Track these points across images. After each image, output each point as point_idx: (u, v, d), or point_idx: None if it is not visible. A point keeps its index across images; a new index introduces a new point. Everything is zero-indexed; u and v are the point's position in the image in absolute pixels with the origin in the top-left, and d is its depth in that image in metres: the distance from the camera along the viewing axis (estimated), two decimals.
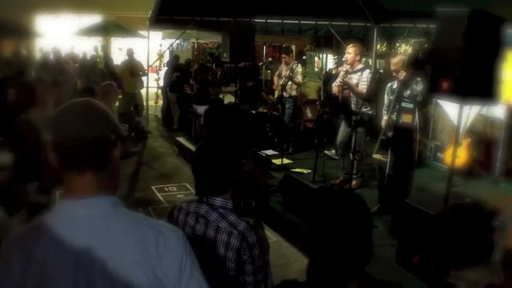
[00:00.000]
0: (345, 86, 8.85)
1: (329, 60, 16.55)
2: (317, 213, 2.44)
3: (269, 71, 18.02)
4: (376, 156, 7.60)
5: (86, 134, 1.81)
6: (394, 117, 7.49)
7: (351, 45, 9.15)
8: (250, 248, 2.70)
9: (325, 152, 10.43)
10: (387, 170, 7.46)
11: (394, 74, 7.59)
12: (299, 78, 11.24)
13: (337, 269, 2.36)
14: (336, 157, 10.29)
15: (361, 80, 8.73)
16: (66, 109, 1.88)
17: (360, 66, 8.99)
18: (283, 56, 11.45)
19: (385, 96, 7.88)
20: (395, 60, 7.65)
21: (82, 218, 1.81)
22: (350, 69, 8.84)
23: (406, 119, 7.30)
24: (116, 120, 1.96)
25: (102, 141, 1.86)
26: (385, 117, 7.74)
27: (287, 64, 11.19)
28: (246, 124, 10.78)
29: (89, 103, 1.91)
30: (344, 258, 2.35)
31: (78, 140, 1.81)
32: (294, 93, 11.25)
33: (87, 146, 1.82)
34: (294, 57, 11.77)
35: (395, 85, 7.66)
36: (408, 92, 7.35)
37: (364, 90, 8.51)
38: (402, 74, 7.32)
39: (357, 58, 8.96)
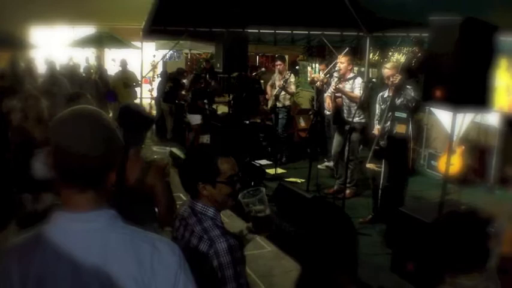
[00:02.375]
0: (338, 93, 8.89)
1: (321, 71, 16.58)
2: (303, 227, 2.48)
3: (262, 81, 18.04)
4: (369, 165, 7.58)
5: (94, 153, 1.80)
6: (387, 126, 7.47)
7: (342, 54, 9.19)
8: (218, 255, 2.68)
9: (319, 166, 10.44)
10: (382, 180, 7.44)
11: (386, 81, 7.56)
12: (292, 88, 11.27)
13: (322, 279, 2.37)
14: (331, 165, 10.32)
15: (354, 88, 8.79)
16: (69, 120, 1.85)
17: (352, 74, 9.04)
18: (279, 63, 11.44)
19: (377, 106, 7.87)
20: (389, 66, 7.66)
21: (80, 232, 1.81)
22: (342, 78, 8.89)
23: (400, 129, 7.28)
24: (117, 132, 1.94)
25: (107, 161, 1.86)
26: (377, 127, 7.72)
27: (281, 73, 11.21)
28: (240, 134, 10.79)
29: (95, 117, 1.87)
30: (327, 269, 2.37)
31: (84, 158, 1.79)
32: (287, 103, 11.28)
33: (93, 166, 1.82)
34: (287, 67, 11.81)
35: (386, 94, 7.65)
36: (400, 100, 7.33)
37: (359, 94, 8.54)
38: (397, 78, 7.28)
39: (349, 67, 9.01)
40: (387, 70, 7.56)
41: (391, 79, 7.45)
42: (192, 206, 2.90)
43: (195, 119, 12.62)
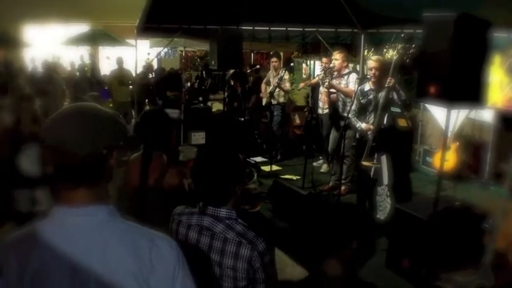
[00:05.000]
0: (331, 89, 8.90)
1: (317, 67, 16.58)
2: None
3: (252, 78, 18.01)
4: (365, 163, 7.52)
5: (77, 149, 1.79)
6: (385, 121, 7.39)
7: (337, 51, 9.19)
8: (262, 256, 2.69)
9: (314, 164, 10.48)
10: (385, 178, 7.35)
11: (372, 72, 7.51)
12: (287, 85, 11.25)
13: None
14: (325, 170, 10.37)
15: (348, 84, 8.81)
16: (60, 118, 1.85)
17: (347, 70, 9.05)
18: (274, 60, 11.41)
19: (355, 101, 7.81)
20: (374, 58, 7.65)
21: (77, 227, 1.81)
22: (337, 74, 8.91)
23: (401, 122, 7.23)
24: (116, 124, 1.92)
25: (93, 157, 1.83)
26: (364, 125, 7.63)
27: (276, 69, 11.19)
28: (236, 131, 10.80)
29: (85, 112, 1.87)
30: None
31: (68, 154, 1.79)
32: (282, 100, 11.26)
33: (77, 161, 1.81)
34: (282, 64, 11.80)
35: (366, 87, 7.62)
36: (391, 97, 7.28)
37: (353, 89, 8.52)
38: (391, 81, 7.24)
39: (344, 64, 9.03)
40: (372, 62, 7.58)
41: (371, 72, 7.44)
42: (214, 213, 2.81)
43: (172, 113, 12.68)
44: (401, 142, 7.29)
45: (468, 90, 4.93)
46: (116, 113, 1.99)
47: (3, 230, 4.08)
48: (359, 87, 7.75)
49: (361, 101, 7.64)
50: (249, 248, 2.67)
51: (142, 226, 1.92)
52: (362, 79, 8.82)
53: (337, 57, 8.96)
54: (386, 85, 7.31)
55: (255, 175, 3.35)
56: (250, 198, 3.28)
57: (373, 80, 7.52)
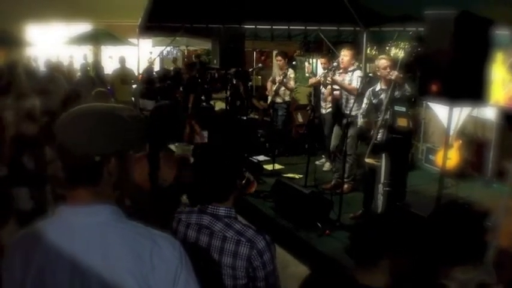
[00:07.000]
0: (334, 84, 8.88)
1: (319, 65, 16.54)
2: None
3: (259, 77, 18.01)
4: (368, 160, 7.49)
5: (72, 150, 1.81)
6: (389, 119, 7.34)
7: (346, 48, 9.14)
8: (261, 254, 2.67)
9: (316, 163, 10.48)
10: (383, 175, 7.33)
11: (379, 72, 7.46)
12: (292, 83, 11.23)
13: None
14: (327, 168, 10.36)
15: (352, 80, 8.79)
16: (71, 122, 1.87)
17: (352, 67, 9.03)
18: (279, 58, 11.35)
19: (365, 100, 7.76)
20: (387, 57, 7.60)
21: (79, 226, 1.83)
22: (342, 70, 8.89)
23: (401, 122, 7.21)
24: (120, 131, 1.89)
25: (86, 161, 1.83)
26: (365, 119, 7.58)
27: (281, 68, 11.16)
28: (239, 130, 10.80)
29: (98, 115, 1.87)
30: None
31: (66, 154, 1.82)
32: (287, 98, 11.24)
33: (73, 162, 1.83)
34: (287, 62, 11.80)
35: (378, 87, 7.57)
36: (398, 93, 7.24)
37: (355, 87, 8.50)
38: (394, 74, 7.17)
39: (352, 61, 9.01)
40: (384, 61, 7.44)
41: (384, 71, 7.36)
42: (214, 212, 2.80)
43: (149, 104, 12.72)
44: (399, 142, 7.24)
45: (470, 88, 4.92)
46: (134, 116, 1.95)
47: (6, 229, 4.10)
48: (370, 88, 7.69)
49: (373, 101, 7.57)
50: (248, 246, 2.66)
51: (146, 226, 1.93)
52: (365, 77, 8.80)
53: (346, 54, 8.91)
54: (384, 74, 7.27)
55: (247, 173, 3.31)
56: (245, 184, 3.27)
57: (387, 78, 7.38)
